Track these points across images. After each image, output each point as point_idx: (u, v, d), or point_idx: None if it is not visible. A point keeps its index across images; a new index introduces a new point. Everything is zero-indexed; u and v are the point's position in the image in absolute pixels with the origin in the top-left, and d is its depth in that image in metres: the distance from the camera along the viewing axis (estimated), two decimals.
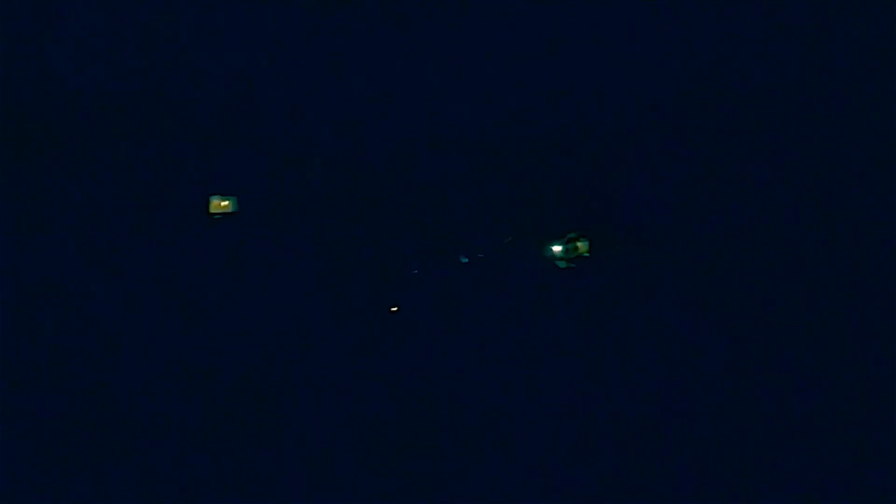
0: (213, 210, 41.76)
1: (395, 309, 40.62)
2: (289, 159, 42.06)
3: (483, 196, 41.55)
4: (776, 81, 40.77)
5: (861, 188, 39.74)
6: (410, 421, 38.65)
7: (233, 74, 42.29)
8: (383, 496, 37.41)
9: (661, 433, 37.92)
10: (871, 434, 36.60)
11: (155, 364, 39.65)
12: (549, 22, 41.98)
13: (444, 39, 41.98)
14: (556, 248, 41.05)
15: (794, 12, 40.85)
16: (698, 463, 37.40)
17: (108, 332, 40.08)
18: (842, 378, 38.39)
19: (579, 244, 40.97)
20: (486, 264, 41.32)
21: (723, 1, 41.48)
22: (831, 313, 38.56)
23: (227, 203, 41.79)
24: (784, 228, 39.76)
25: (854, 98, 40.14)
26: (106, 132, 42.32)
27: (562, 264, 41.06)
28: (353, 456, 38.02)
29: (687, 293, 40.24)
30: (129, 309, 40.63)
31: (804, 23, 40.91)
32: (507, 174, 41.44)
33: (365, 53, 42.20)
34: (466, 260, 41.34)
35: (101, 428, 38.14)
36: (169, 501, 36.74)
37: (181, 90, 42.30)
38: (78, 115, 42.33)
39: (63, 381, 38.93)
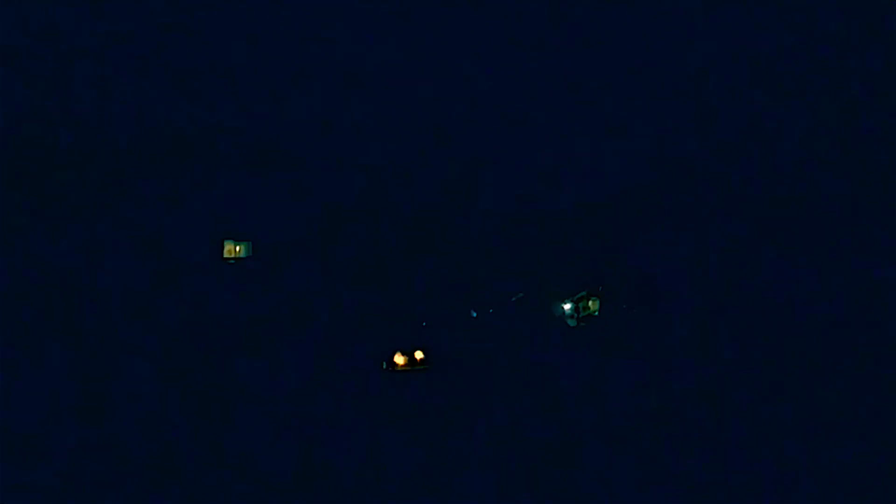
0: (226, 255, 42.07)
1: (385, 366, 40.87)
2: (304, 210, 42.40)
3: (496, 253, 41.98)
4: (781, 148, 41.44)
5: (868, 263, 40.38)
6: (414, 466, 38.85)
7: (251, 123, 42.70)
8: None
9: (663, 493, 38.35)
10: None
11: (168, 402, 39.90)
12: (562, 91, 42.53)
13: (465, 101, 42.56)
14: (566, 307, 41.48)
15: (796, 87, 41.57)
16: None
17: (123, 370, 40.28)
18: (842, 443, 38.90)
19: (590, 303, 41.42)
20: (496, 320, 41.68)
21: (729, 70, 42.17)
22: (835, 369, 39.11)
23: (240, 248, 42.11)
24: (789, 290, 40.30)
25: (859, 173, 40.84)
26: (123, 178, 42.66)
27: (572, 322, 41.48)
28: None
29: (693, 353, 40.70)
30: (143, 347, 40.89)
31: (802, 96, 41.65)
32: (521, 233, 41.86)
33: (387, 112, 42.59)
34: (476, 315, 41.69)
35: (115, 461, 38.40)
36: None
37: (198, 138, 42.68)
38: (96, 161, 42.64)
39: (79, 416, 39.18)
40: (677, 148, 41.49)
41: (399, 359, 40.67)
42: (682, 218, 41.49)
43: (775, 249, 40.76)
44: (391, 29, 41.81)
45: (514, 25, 41.15)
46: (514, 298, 41.22)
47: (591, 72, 41.64)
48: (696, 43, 40.89)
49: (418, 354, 40.37)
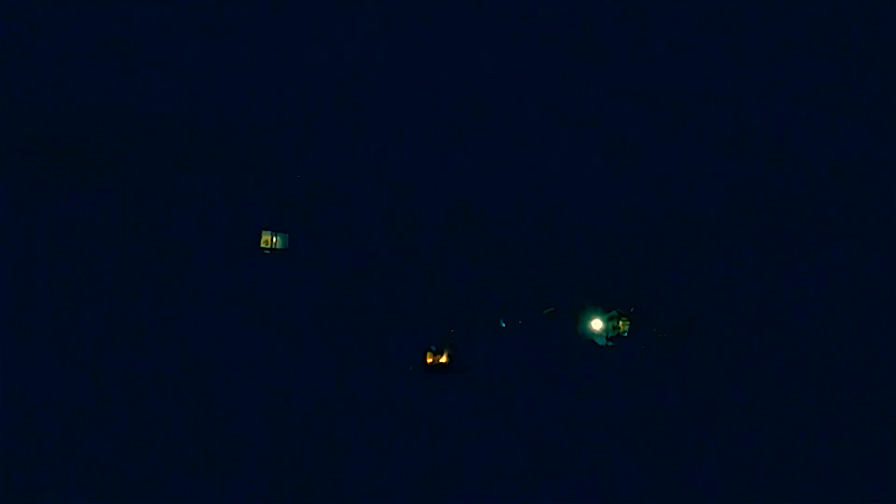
0: (263, 245, 42.34)
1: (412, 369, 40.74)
2: (344, 207, 42.76)
3: (532, 266, 42.07)
4: (820, 180, 41.68)
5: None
6: (431, 466, 38.28)
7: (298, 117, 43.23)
8: None
9: None
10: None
11: (199, 390, 39.56)
12: (608, 116, 43.05)
13: (512, 114, 43.09)
14: (597, 325, 41.35)
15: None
16: None
17: (156, 357, 40.10)
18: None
19: (620, 323, 41.31)
20: (524, 332, 41.56)
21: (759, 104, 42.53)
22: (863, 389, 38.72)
23: (277, 239, 42.39)
24: (818, 316, 40.12)
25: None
26: (163, 165, 43.10)
27: (600, 341, 41.31)
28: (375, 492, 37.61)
29: (719, 381, 40.43)
30: (175, 334, 40.81)
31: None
32: (559, 250, 42.01)
33: (423, 119, 43.11)
34: (505, 325, 41.61)
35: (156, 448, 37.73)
36: None
37: (241, 127, 43.16)
38: (137, 149, 43.15)
39: (113, 405, 38.64)
40: (718, 179, 41.65)
41: (429, 358, 40.52)
42: (719, 246, 41.50)
43: (811, 283, 40.61)
44: (430, 27, 42.35)
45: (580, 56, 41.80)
46: (545, 312, 41.12)
47: (639, 98, 42.13)
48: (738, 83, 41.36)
49: (443, 358, 40.18)
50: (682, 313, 40.94)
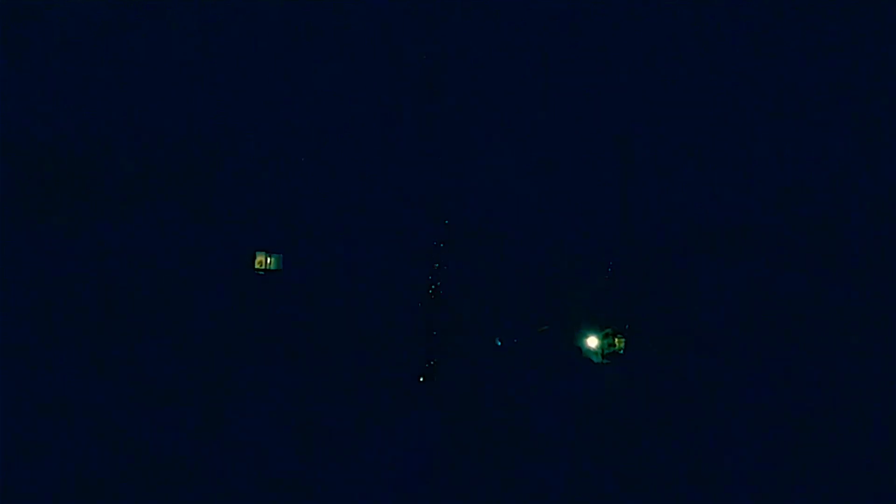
0: (257, 266, 42.21)
1: (423, 379, 40.80)
2: (336, 227, 42.69)
3: (526, 283, 42.03)
4: (822, 194, 41.58)
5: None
6: (423, 483, 38.30)
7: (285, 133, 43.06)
8: None
9: None
10: None
11: (193, 413, 39.47)
12: (602, 128, 43.00)
13: (501, 127, 43.01)
14: (593, 343, 41.30)
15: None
16: None
17: (148, 381, 39.94)
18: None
19: (616, 340, 41.25)
20: (520, 350, 41.54)
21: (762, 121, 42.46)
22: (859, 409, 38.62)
23: (271, 260, 42.27)
24: (812, 334, 39.98)
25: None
26: (154, 185, 42.96)
27: (596, 358, 41.27)
28: None
29: (716, 402, 40.37)
30: (168, 358, 40.68)
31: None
32: (553, 265, 41.96)
33: (418, 139, 43.05)
34: (500, 343, 41.58)
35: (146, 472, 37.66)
36: None
37: (234, 149, 43.03)
38: (129, 170, 43.00)
39: (106, 430, 38.51)
40: (713, 196, 41.59)
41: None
42: (716, 263, 41.45)
43: (798, 291, 40.51)
44: (429, 36, 42.22)
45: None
46: (539, 330, 41.14)
47: (635, 111, 42.07)
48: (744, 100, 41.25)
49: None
50: (678, 329, 40.91)
